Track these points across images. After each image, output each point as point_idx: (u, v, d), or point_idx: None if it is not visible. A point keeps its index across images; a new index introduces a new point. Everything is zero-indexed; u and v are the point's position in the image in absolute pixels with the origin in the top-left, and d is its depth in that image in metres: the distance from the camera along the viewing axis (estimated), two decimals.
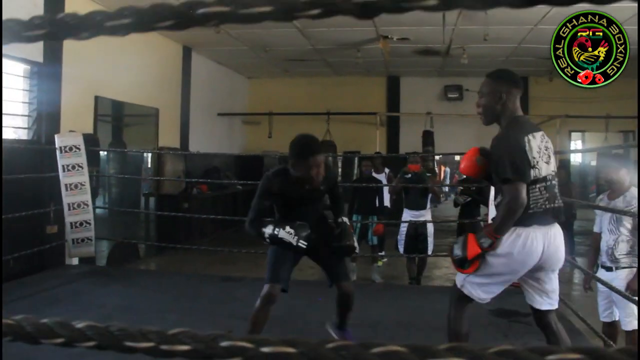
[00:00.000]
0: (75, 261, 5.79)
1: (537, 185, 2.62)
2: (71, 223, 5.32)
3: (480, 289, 2.75)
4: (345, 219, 3.39)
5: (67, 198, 5.29)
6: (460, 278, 2.82)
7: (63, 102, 6.29)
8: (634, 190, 4.06)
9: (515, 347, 0.38)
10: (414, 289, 6.07)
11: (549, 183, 2.66)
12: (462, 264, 2.73)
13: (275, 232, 3.05)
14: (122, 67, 7.57)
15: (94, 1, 6.85)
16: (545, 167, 2.64)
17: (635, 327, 3.97)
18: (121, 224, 8.17)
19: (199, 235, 9.27)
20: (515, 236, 2.62)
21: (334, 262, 3.30)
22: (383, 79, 12.56)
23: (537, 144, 2.62)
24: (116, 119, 8.65)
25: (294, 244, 3.04)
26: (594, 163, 12.39)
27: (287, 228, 3.05)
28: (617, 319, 4.10)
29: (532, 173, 2.59)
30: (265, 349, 0.40)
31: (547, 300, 2.82)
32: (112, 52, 7.12)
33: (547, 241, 2.62)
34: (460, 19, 7.61)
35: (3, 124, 5.20)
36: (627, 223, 4.05)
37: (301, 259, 3.34)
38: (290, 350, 0.39)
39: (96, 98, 7.16)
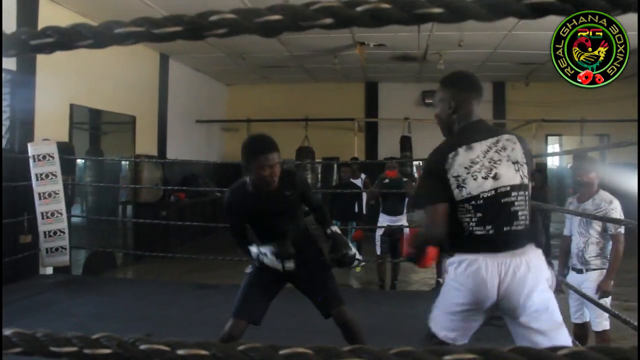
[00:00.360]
0: (49, 270, 5.73)
1: (466, 205, 2.23)
2: (45, 232, 5.27)
3: (444, 324, 2.35)
4: (336, 228, 3.05)
5: (40, 207, 5.24)
6: (431, 313, 2.44)
7: (37, 110, 6.23)
8: (603, 193, 4.14)
9: (415, 349, 0.40)
10: (390, 294, 6.11)
11: (493, 200, 2.23)
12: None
13: (261, 258, 2.81)
14: (98, 75, 7.52)
15: (68, 8, 6.81)
16: (484, 182, 2.22)
17: (606, 327, 4.05)
18: (98, 232, 8.10)
19: (177, 243, 9.23)
20: (457, 264, 2.28)
21: (319, 285, 2.92)
22: (361, 85, 12.64)
23: (472, 157, 2.23)
24: (93, 127, 8.59)
25: (281, 269, 2.77)
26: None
27: (268, 254, 2.78)
28: (587, 320, 4.17)
29: (459, 193, 2.22)
30: (180, 352, 0.42)
31: (541, 342, 2.26)
32: (87, 60, 7.07)
33: (503, 273, 2.18)
34: (435, 25, 7.70)
35: None
36: (597, 225, 4.13)
37: (283, 288, 3.00)
38: (204, 352, 0.42)
39: (71, 106, 7.10)
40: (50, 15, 6.43)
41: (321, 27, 0.42)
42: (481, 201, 2.21)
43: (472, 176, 2.21)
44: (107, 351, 0.43)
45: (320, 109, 12.08)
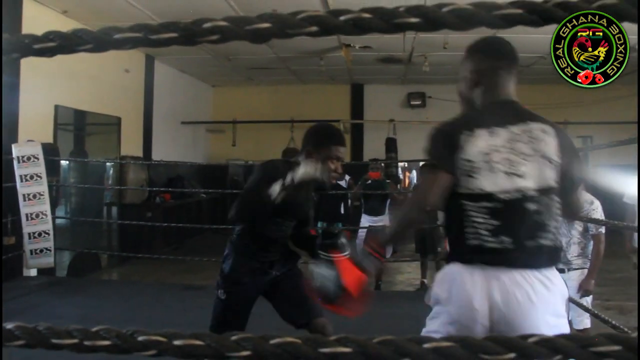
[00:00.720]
0: (33, 272, 5.69)
1: (476, 205, 1.68)
2: (29, 234, 5.24)
3: None
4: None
5: (24, 208, 5.21)
6: None
7: (21, 111, 6.19)
8: (584, 194, 4.22)
9: (396, 338, 0.43)
10: (374, 295, 6.15)
11: (516, 206, 1.67)
12: (331, 299, 1.77)
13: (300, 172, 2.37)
14: (83, 76, 7.48)
15: (52, 8, 6.78)
16: (505, 180, 1.68)
17: (587, 326, 4.12)
18: (83, 233, 8.06)
19: (163, 244, 9.20)
20: (443, 277, 1.76)
21: (301, 293, 2.60)
22: (347, 87, 12.68)
23: (493, 143, 1.69)
24: (77, 128, 8.55)
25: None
26: None
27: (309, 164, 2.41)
28: (569, 318, 4.24)
29: (467, 183, 1.69)
30: (177, 342, 0.45)
31: None
32: (72, 61, 7.02)
33: (497, 293, 1.64)
34: None
35: None
36: (578, 226, 4.20)
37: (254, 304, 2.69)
38: (199, 342, 0.44)
39: (56, 107, 7.06)
40: (34, 15, 6.39)
41: (307, 35, 0.45)
42: (500, 204, 1.67)
43: (490, 168, 1.68)
44: (107, 343, 0.46)
45: (306, 110, 12.11)
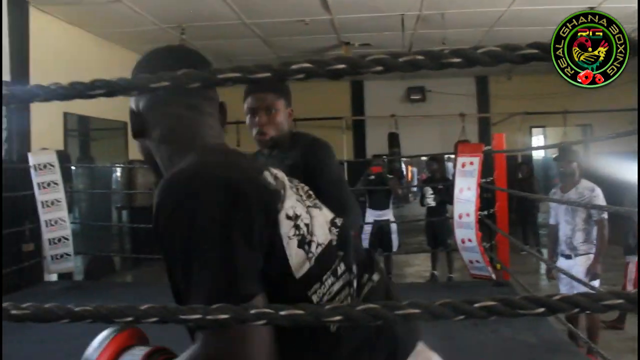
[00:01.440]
0: (54, 277, 5.85)
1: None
2: (49, 239, 5.39)
3: None
4: None
5: (44, 215, 5.36)
6: None
7: (32, 119, 6.34)
8: (584, 182, 4.37)
9: (453, 300, 0.56)
10: None
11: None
12: None
13: None
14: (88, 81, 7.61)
15: (59, 18, 6.91)
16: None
17: None
18: (94, 238, 8.20)
19: None
20: None
21: None
22: (347, 84, 12.79)
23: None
24: (83, 134, 8.70)
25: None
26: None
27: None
28: None
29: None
30: (282, 313, 0.58)
31: None
32: (78, 68, 7.16)
33: None
34: (418, 24, 7.89)
35: None
36: (582, 213, 4.35)
37: None
38: (300, 312, 0.58)
39: (65, 114, 7.21)
40: (41, 26, 6.54)
41: (373, 73, 0.59)
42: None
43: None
44: (226, 316, 0.59)
45: (307, 108, 12.19)
